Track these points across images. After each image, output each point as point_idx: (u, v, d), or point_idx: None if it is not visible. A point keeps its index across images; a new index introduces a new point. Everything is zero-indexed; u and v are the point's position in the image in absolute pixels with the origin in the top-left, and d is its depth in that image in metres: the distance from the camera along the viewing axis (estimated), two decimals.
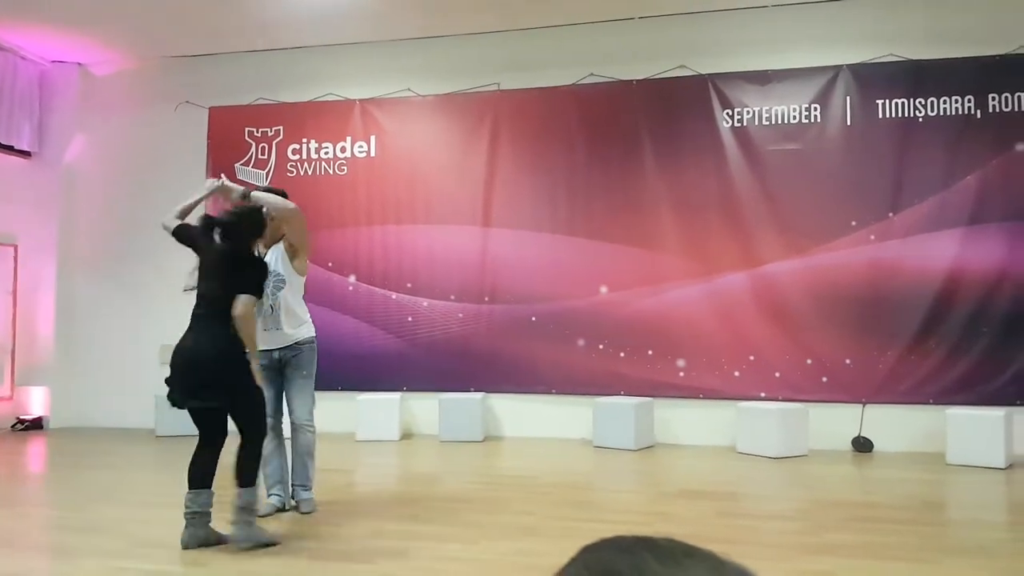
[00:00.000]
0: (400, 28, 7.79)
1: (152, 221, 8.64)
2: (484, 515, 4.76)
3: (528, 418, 7.58)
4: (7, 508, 5.12)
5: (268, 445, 4.45)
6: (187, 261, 4.26)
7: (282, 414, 4.72)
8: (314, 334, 4.76)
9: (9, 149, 8.43)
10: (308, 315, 4.78)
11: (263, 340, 4.46)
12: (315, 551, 4.04)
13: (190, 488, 4.02)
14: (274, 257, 4.66)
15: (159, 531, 4.28)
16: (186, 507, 4.00)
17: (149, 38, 8.13)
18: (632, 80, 7.48)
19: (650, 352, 7.32)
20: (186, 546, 3.96)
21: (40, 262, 8.53)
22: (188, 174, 8.46)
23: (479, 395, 7.50)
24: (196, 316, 4.07)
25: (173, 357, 4.00)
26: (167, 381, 4.02)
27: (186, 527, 4.00)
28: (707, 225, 7.25)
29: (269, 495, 4.73)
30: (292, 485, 4.81)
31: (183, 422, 7.61)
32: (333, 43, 8.15)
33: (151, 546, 4.10)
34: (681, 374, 7.26)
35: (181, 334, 4.05)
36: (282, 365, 4.65)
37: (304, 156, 8.27)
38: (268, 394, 4.34)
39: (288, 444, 4.81)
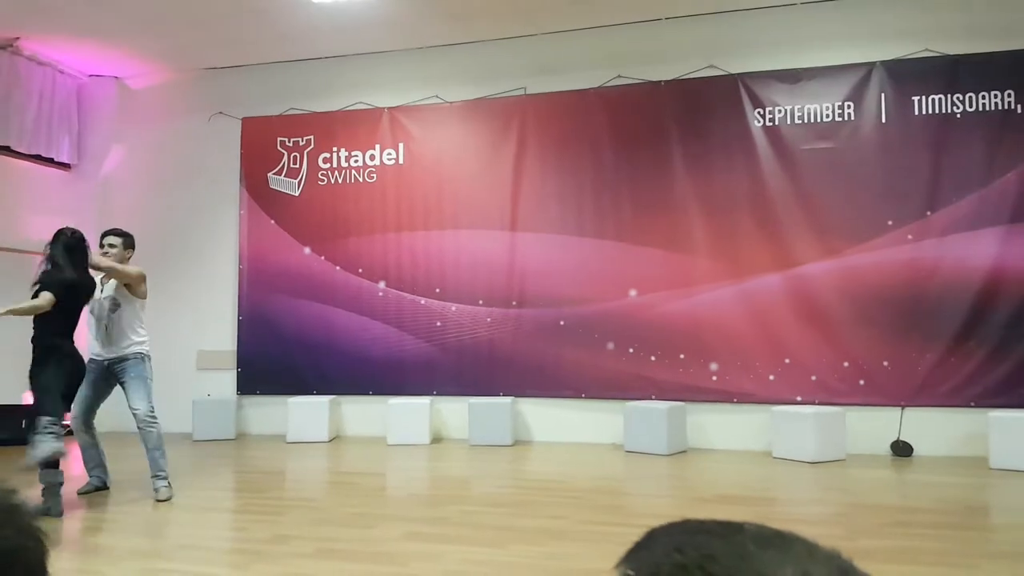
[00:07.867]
0: (427, 36, 7.83)
1: (186, 229, 8.90)
2: (514, 519, 4.74)
3: (557, 422, 7.53)
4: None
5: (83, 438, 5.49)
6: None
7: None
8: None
9: (49, 162, 8.62)
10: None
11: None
12: (348, 553, 4.05)
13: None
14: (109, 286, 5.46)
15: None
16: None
17: (183, 51, 8.28)
18: (660, 81, 7.42)
19: (682, 356, 7.23)
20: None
21: None
22: (222, 184, 8.59)
23: (508, 399, 7.47)
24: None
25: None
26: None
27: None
28: (739, 226, 7.15)
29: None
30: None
31: (223, 426, 7.93)
32: (361, 52, 8.21)
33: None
34: (714, 378, 7.16)
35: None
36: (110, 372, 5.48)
37: (335, 164, 8.34)
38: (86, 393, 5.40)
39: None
